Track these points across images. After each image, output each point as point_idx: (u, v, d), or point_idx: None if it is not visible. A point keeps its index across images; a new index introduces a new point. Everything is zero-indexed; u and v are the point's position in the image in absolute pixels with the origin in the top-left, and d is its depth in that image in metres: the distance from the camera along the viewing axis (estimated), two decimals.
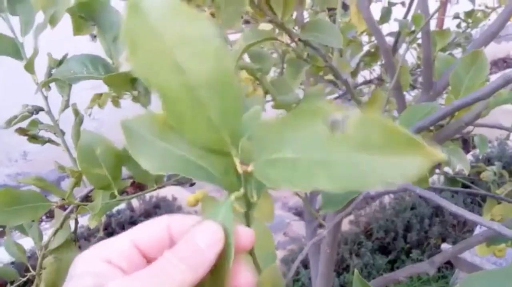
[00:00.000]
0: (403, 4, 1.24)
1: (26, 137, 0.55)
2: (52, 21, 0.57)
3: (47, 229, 0.62)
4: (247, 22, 0.68)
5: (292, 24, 0.81)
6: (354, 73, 1.27)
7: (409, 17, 1.20)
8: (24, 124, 0.56)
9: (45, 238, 0.62)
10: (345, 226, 2.08)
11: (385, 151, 0.19)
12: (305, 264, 1.81)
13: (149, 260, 0.25)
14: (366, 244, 1.92)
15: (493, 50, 4.07)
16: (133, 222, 2.18)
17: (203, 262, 0.23)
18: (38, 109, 0.55)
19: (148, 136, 0.25)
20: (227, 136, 0.23)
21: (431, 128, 0.65)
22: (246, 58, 0.77)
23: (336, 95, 1.36)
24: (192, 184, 2.16)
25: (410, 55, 1.39)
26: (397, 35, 1.13)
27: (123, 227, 2.14)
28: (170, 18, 0.21)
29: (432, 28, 2.37)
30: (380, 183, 0.19)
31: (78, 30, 0.54)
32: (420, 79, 1.51)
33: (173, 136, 0.25)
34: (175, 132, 0.24)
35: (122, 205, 2.31)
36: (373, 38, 1.26)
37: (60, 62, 0.53)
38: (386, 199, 2.20)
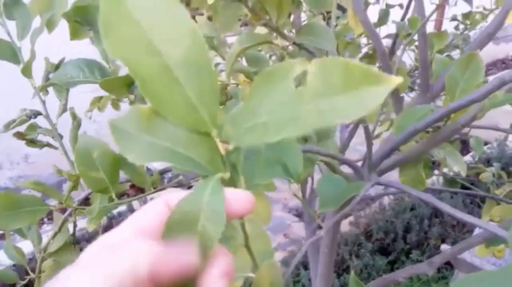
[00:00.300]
0: (401, 6, 1.24)
1: (24, 141, 0.56)
2: (49, 25, 0.58)
3: (49, 231, 0.62)
4: (245, 24, 0.69)
5: (290, 27, 0.81)
6: None
7: (407, 19, 1.20)
8: (22, 128, 0.56)
9: (46, 240, 0.63)
10: (345, 227, 2.08)
11: (344, 89, 0.20)
12: (305, 265, 1.81)
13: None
14: (366, 245, 1.92)
15: (492, 51, 4.07)
16: None
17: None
18: (36, 113, 0.55)
19: (134, 131, 0.25)
20: (206, 115, 0.24)
21: (428, 129, 0.65)
22: (244, 61, 0.77)
23: None
24: (191, 187, 2.16)
25: (407, 57, 1.39)
26: (395, 37, 1.14)
27: None
28: (146, 3, 0.22)
29: (431, 30, 2.38)
30: (343, 119, 0.20)
31: (74, 34, 0.55)
32: (418, 81, 1.52)
33: (158, 129, 0.25)
34: (159, 125, 0.25)
35: (123, 207, 2.31)
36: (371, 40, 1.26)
37: (57, 67, 0.53)
38: (386, 200, 2.20)
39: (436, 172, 1.17)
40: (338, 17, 1.20)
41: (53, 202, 0.55)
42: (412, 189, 0.51)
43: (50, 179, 2.19)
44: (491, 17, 1.43)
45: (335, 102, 0.20)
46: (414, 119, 0.55)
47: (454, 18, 1.50)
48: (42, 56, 0.59)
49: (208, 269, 0.23)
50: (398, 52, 1.08)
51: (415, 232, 1.97)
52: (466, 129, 0.67)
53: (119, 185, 0.54)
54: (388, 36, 1.26)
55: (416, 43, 1.30)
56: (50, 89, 0.57)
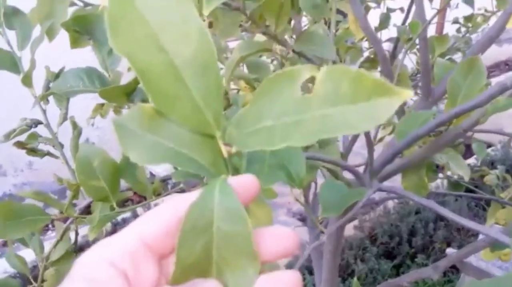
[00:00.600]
0: (401, 10, 1.24)
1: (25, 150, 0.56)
2: (50, 34, 0.58)
3: (53, 237, 0.61)
4: (246, 30, 0.68)
5: (290, 32, 0.81)
6: None
7: (408, 23, 1.20)
8: (23, 137, 0.56)
9: (49, 247, 0.63)
10: (350, 231, 2.08)
11: (354, 99, 0.19)
12: (310, 270, 1.80)
13: (159, 254, 0.23)
14: (371, 249, 1.91)
15: (495, 53, 4.06)
16: None
17: None
18: (37, 123, 0.55)
19: (138, 130, 0.25)
20: (210, 116, 0.24)
21: (431, 134, 0.65)
22: (245, 67, 0.77)
23: None
24: None
25: (409, 61, 1.39)
26: (396, 41, 1.13)
27: None
28: (155, 3, 0.22)
29: (432, 33, 2.37)
30: (352, 131, 0.19)
31: (75, 43, 0.55)
32: (420, 84, 1.51)
33: (162, 129, 0.25)
34: (163, 125, 0.25)
35: (128, 214, 2.31)
36: None
37: (57, 76, 0.53)
38: (390, 203, 2.20)
39: (440, 175, 1.16)
40: (339, 22, 1.20)
41: (55, 210, 0.55)
42: (414, 195, 0.50)
43: (54, 186, 2.19)
44: (493, 19, 1.42)
45: (343, 112, 0.20)
46: (416, 125, 0.55)
47: (455, 21, 1.49)
48: (43, 62, 0.59)
49: None
50: (400, 56, 1.08)
51: (420, 236, 1.96)
52: (469, 133, 0.66)
53: (120, 194, 0.53)
54: (389, 40, 1.26)
55: (418, 46, 1.30)
56: (51, 97, 0.57)
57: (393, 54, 1.16)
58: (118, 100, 0.45)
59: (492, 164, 2.29)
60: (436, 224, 2.02)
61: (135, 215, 2.32)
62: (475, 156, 2.50)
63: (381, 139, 1.12)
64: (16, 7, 0.56)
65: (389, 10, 1.27)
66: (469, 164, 2.37)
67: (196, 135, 0.25)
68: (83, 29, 0.48)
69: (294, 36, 0.70)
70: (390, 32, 1.26)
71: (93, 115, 1.03)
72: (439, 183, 2.04)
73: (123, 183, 0.53)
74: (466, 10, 1.44)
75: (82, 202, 0.61)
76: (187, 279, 0.22)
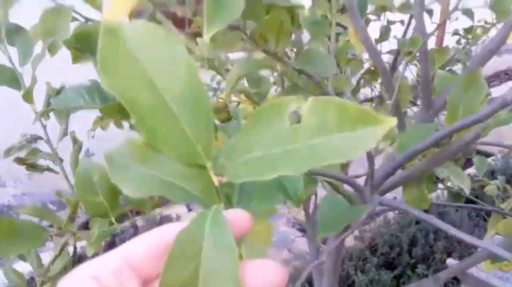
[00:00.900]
0: (402, 22, 1.25)
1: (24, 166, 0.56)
2: (52, 50, 0.58)
3: (51, 248, 0.61)
4: (247, 49, 0.69)
5: (291, 46, 0.81)
6: (354, 91, 1.28)
7: (408, 35, 1.20)
8: (22, 153, 0.56)
9: (48, 258, 0.62)
10: (350, 241, 2.07)
11: (339, 129, 0.20)
12: (309, 281, 1.79)
13: (143, 277, 0.24)
14: (371, 260, 1.90)
15: (495, 63, 4.07)
16: None
17: None
18: (37, 138, 0.55)
19: (129, 163, 0.25)
20: (200, 148, 0.24)
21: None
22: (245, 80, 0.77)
23: None
24: (191, 209, 2.16)
25: (409, 72, 1.39)
26: (396, 53, 1.14)
27: None
28: (145, 42, 0.23)
29: (432, 44, 2.37)
30: (340, 159, 0.20)
31: (76, 59, 0.55)
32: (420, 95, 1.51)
33: (152, 161, 0.25)
34: (153, 157, 0.25)
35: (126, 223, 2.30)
36: None
37: (58, 92, 0.53)
38: (390, 214, 2.19)
39: (440, 186, 1.16)
40: (339, 34, 1.21)
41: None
42: (415, 209, 0.50)
43: (53, 197, 2.19)
44: (493, 31, 1.43)
45: (330, 142, 0.20)
46: (416, 139, 0.55)
47: (455, 33, 1.50)
48: (44, 73, 0.59)
49: None
50: (400, 68, 1.08)
51: (420, 246, 1.95)
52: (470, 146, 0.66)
53: (119, 209, 0.53)
54: (390, 52, 1.27)
55: (418, 58, 1.30)
56: (51, 112, 0.57)
57: (394, 66, 1.16)
58: (118, 116, 0.45)
59: (492, 174, 2.29)
60: (436, 234, 2.02)
61: (134, 226, 2.31)
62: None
63: (381, 151, 1.12)
64: (18, 24, 0.56)
65: (389, 22, 1.28)
66: (469, 174, 2.36)
67: (186, 166, 0.25)
68: (85, 46, 0.48)
69: (294, 50, 0.70)
70: (390, 44, 1.27)
71: (93, 127, 1.03)
72: (439, 193, 2.03)
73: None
74: (466, 22, 1.45)
75: (81, 217, 0.61)
76: None
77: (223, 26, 0.24)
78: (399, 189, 0.68)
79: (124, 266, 0.23)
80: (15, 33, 0.54)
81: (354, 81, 1.28)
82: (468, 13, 1.30)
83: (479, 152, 2.71)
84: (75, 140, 0.57)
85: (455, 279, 1.80)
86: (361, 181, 0.78)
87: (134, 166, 0.25)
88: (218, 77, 1.13)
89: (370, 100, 1.22)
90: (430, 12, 1.07)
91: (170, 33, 0.23)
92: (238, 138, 0.24)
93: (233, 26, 0.41)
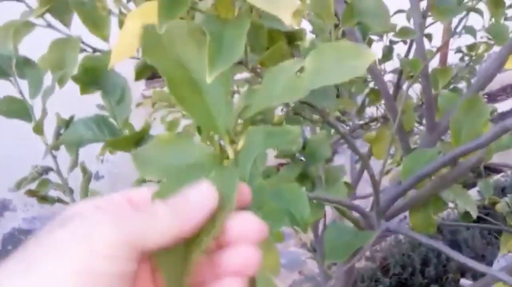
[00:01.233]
0: (404, 42, 1.26)
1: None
2: (61, 81, 0.60)
3: None
4: (249, 81, 0.70)
5: None
6: (359, 111, 1.28)
7: (411, 53, 1.21)
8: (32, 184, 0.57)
9: None
10: (361, 262, 2.05)
11: (337, 62, 0.26)
12: None
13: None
14: (383, 281, 1.88)
15: (501, 77, 4.07)
16: None
17: (193, 216, 0.23)
18: (47, 170, 0.56)
19: (152, 155, 0.29)
20: (220, 123, 0.28)
21: None
22: None
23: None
24: None
25: (412, 91, 1.40)
26: (400, 73, 1.15)
27: None
28: (177, 33, 0.28)
29: (436, 60, 2.37)
30: (336, 81, 0.26)
31: (84, 91, 0.56)
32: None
33: (172, 153, 0.29)
34: (173, 149, 0.30)
35: None
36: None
37: (67, 124, 0.55)
38: None
39: (450, 204, 1.15)
40: None
41: None
42: (422, 236, 0.50)
43: None
44: (496, 48, 1.43)
45: (331, 72, 0.26)
46: (421, 163, 0.55)
47: (459, 50, 1.50)
48: (54, 99, 0.60)
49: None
50: (404, 87, 1.09)
51: (433, 266, 1.93)
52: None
53: None
54: (393, 71, 1.27)
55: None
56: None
57: (398, 85, 1.17)
58: (126, 148, 0.46)
59: (502, 191, 2.27)
60: None
61: None
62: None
63: (388, 172, 1.12)
64: (27, 57, 0.58)
65: (392, 42, 1.29)
66: (478, 191, 2.34)
67: (201, 157, 0.29)
68: (92, 80, 0.49)
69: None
70: (394, 63, 1.28)
71: (102, 153, 1.05)
72: (450, 211, 2.01)
73: None
74: (469, 39, 1.45)
75: None
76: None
77: (225, 68, 0.25)
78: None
79: (125, 201, 0.25)
80: (25, 65, 0.56)
81: (360, 99, 1.29)
82: (471, 31, 1.31)
83: (489, 169, 2.69)
84: (84, 171, 0.58)
85: None
86: (368, 201, 0.78)
87: (157, 158, 0.29)
88: None
89: (375, 119, 1.22)
90: (429, 37, 1.08)
91: (198, 27, 0.29)
92: (256, 89, 0.29)
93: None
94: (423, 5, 0.94)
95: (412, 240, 2.08)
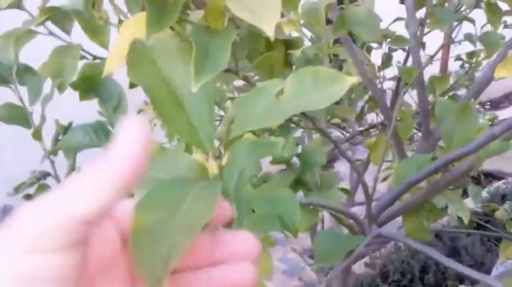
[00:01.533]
0: (403, 49, 1.27)
1: None
2: (60, 88, 0.61)
3: None
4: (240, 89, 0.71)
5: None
6: (358, 118, 1.29)
7: (409, 61, 1.22)
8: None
9: None
10: (361, 269, 2.05)
11: (315, 88, 0.26)
12: None
13: None
14: None
15: (504, 84, 4.07)
16: None
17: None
18: (45, 175, 0.57)
19: None
20: (203, 136, 0.29)
21: None
22: None
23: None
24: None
25: (411, 98, 1.40)
26: (398, 81, 1.15)
27: None
28: (164, 55, 0.29)
29: (437, 68, 2.38)
30: (315, 107, 0.26)
31: (83, 97, 0.58)
32: None
33: (159, 165, 0.30)
34: (162, 162, 0.30)
35: None
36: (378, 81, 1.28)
37: (65, 131, 0.56)
38: None
39: (449, 211, 1.15)
40: (343, 61, 1.23)
41: None
42: (416, 243, 0.51)
43: None
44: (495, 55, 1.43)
45: (308, 97, 0.26)
46: (413, 170, 0.56)
47: (458, 58, 1.51)
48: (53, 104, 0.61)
49: None
50: (402, 94, 1.09)
51: (432, 273, 1.93)
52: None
53: None
54: (393, 78, 1.28)
55: None
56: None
57: (396, 92, 1.18)
58: None
59: (503, 198, 2.27)
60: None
61: None
62: (486, 189, 2.47)
63: (385, 178, 1.13)
64: (27, 65, 0.59)
65: (391, 49, 1.30)
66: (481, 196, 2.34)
67: (187, 170, 0.30)
68: (89, 87, 0.51)
69: None
70: (394, 70, 1.28)
71: None
72: (450, 218, 2.01)
73: None
74: (470, 46, 1.46)
75: None
76: None
77: (210, 78, 0.26)
78: None
79: None
80: (25, 73, 0.57)
81: (358, 107, 1.30)
82: (470, 39, 1.32)
83: (491, 176, 2.67)
84: None
85: None
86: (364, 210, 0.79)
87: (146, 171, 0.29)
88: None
89: (374, 127, 1.23)
90: (422, 45, 1.09)
91: (183, 43, 0.29)
92: (236, 112, 0.29)
93: (226, 69, 0.44)
94: (422, 13, 0.95)
95: (411, 247, 2.08)
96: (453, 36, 1.07)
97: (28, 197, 0.57)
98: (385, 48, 1.33)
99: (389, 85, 1.31)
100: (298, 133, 1.05)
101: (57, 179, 0.57)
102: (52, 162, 0.57)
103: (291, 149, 0.58)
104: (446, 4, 0.90)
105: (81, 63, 0.67)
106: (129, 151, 0.21)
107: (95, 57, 0.71)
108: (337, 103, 1.28)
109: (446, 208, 1.08)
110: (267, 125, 0.27)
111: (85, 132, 0.50)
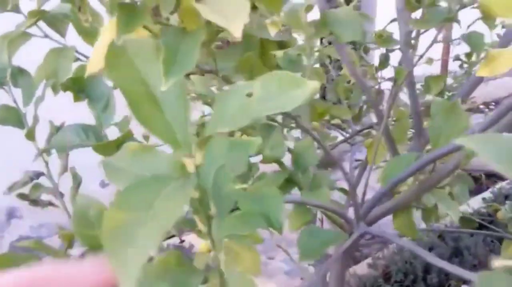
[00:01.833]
0: (401, 50, 1.27)
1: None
2: (55, 88, 0.62)
3: None
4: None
5: None
6: (356, 118, 1.30)
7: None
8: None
9: None
10: (363, 269, 2.05)
11: (280, 92, 0.27)
12: None
13: None
14: None
15: (510, 83, 4.05)
16: None
17: None
18: (39, 174, 0.59)
19: (122, 165, 0.31)
20: (179, 136, 0.29)
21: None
22: None
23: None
24: (183, 241, 2.18)
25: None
26: (394, 81, 1.16)
27: None
28: (139, 51, 0.30)
29: (438, 69, 2.37)
30: (282, 110, 0.27)
31: (77, 99, 0.59)
32: None
33: (140, 162, 0.31)
34: (142, 159, 0.31)
35: None
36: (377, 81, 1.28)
37: (57, 130, 0.57)
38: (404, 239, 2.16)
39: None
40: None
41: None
42: (408, 241, 0.52)
43: (69, 227, 2.22)
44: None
45: (274, 101, 0.27)
46: (400, 169, 0.57)
47: (457, 58, 1.51)
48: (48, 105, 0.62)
49: None
50: (400, 95, 1.10)
51: (435, 273, 1.92)
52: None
53: None
54: (390, 79, 1.29)
55: (418, 85, 1.32)
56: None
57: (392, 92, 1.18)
58: (110, 152, 0.48)
59: (506, 198, 2.26)
60: (451, 260, 1.98)
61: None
62: (490, 189, 2.46)
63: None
64: (21, 67, 0.61)
65: (388, 50, 1.30)
66: (484, 198, 2.33)
67: (167, 167, 0.31)
68: (80, 88, 0.52)
69: None
70: (392, 71, 1.29)
71: None
72: (453, 219, 2.01)
73: None
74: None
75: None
76: None
77: (178, 79, 0.27)
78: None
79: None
80: (19, 75, 0.59)
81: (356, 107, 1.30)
82: (465, 39, 1.32)
83: (495, 176, 2.66)
84: (75, 176, 0.60)
85: None
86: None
87: (126, 167, 0.31)
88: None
89: (370, 127, 1.23)
90: (412, 46, 1.09)
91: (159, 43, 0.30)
92: (211, 115, 0.30)
93: (207, 70, 0.45)
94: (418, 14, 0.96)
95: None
96: (436, 37, 1.07)
97: (22, 196, 0.59)
98: (382, 48, 1.34)
99: (388, 85, 1.32)
100: (297, 133, 1.06)
101: (51, 179, 0.58)
102: (46, 162, 0.59)
103: (279, 149, 0.59)
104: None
105: (76, 65, 0.69)
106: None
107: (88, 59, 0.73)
108: (334, 103, 1.29)
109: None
110: (240, 125, 0.28)
111: (76, 132, 0.51)
